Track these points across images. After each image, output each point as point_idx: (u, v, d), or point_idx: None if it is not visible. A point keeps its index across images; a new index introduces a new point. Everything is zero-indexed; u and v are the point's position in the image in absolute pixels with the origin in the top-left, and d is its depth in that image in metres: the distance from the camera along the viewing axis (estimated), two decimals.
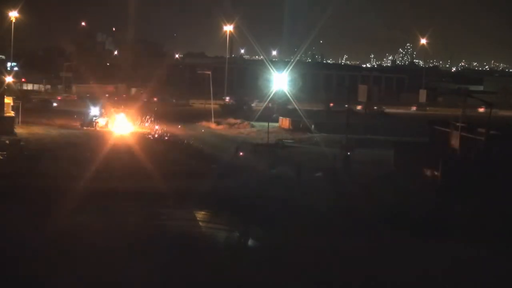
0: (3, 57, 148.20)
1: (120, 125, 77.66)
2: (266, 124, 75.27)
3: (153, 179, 45.63)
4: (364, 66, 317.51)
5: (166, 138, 71.06)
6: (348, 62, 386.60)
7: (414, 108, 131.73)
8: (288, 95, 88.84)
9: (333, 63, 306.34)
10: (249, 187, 45.16)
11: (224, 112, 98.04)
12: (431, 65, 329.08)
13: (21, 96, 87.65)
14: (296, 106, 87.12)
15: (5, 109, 74.15)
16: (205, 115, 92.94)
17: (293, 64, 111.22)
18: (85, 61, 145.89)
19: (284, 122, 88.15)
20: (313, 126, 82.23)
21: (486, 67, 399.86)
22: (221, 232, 35.40)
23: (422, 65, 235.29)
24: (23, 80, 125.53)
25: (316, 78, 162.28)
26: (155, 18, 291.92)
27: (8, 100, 76.13)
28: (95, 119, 78.91)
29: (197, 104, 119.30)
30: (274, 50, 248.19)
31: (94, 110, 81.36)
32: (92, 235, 31.74)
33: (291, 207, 40.04)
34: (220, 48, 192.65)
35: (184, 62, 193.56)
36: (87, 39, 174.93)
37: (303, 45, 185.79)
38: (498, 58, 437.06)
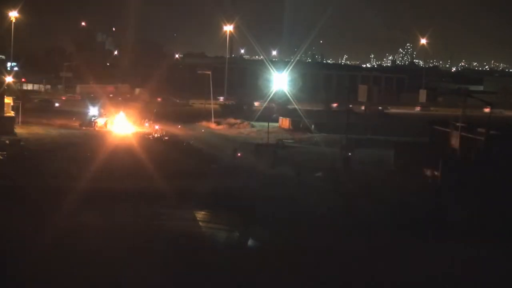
0: (3, 57, 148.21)
1: (120, 125, 77.62)
2: (266, 124, 75.26)
3: (153, 179, 45.62)
4: (364, 66, 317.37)
5: (166, 138, 71.03)
6: (348, 62, 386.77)
7: (418, 109, 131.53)
8: (288, 95, 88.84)
9: (333, 63, 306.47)
10: (249, 187, 45.16)
11: (224, 112, 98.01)
12: (431, 65, 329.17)
13: (21, 96, 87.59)
14: (296, 106, 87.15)
15: (5, 109, 74.14)
16: (205, 115, 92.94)
17: (293, 64, 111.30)
18: (85, 61, 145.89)
19: (284, 122, 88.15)
20: (313, 126, 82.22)
21: (486, 67, 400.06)
22: (221, 232, 35.41)
23: (422, 65, 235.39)
24: (23, 80, 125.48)
25: (316, 78, 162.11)
26: (155, 18, 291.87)
27: (8, 100, 76.12)
28: (94, 119, 78.88)
29: (197, 104, 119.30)
30: (274, 50, 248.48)
31: (93, 110, 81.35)
32: (92, 235, 31.76)
33: (291, 207, 40.04)
34: (220, 48, 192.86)
35: (184, 62, 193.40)
36: (87, 39, 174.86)
37: (303, 45, 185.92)
38: (498, 58, 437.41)
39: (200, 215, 38.17)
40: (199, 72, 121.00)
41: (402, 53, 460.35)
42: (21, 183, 42.43)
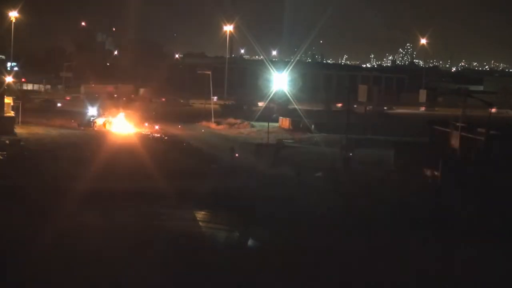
0: (3, 57, 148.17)
1: (120, 125, 77.62)
2: (266, 124, 75.28)
3: (152, 179, 45.64)
4: (364, 66, 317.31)
5: (165, 138, 71.05)
6: (348, 62, 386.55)
7: (423, 109, 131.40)
8: (288, 95, 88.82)
9: (333, 63, 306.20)
10: (249, 187, 45.16)
11: (224, 112, 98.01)
12: (431, 65, 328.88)
13: (21, 96, 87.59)
14: (296, 106, 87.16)
15: (5, 109, 74.14)
16: (205, 115, 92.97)
17: (293, 64, 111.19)
18: (85, 61, 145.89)
19: (284, 122, 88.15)
20: (313, 126, 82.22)
21: (486, 67, 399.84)
22: (221, 232, 35.42)
23: (422, 65, 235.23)
24: (23, 80, 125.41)
25: (316, 78, 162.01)
26: (155, 18, 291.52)
27: (8, 100, 76.11)
28: (93, 119, 78.80)
29: (197, 104, 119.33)
30: (274, 50, 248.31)
31: (92, 110, 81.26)
32: (92, 235, 31.77)
33: (291, 207, 40.03)
34: (220, 48, 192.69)
35: (184, 62, 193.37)
36: (87, 39, 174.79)
37: (303, 45, 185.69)
38: (498, 58, 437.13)
39: (200, 215, 38.17)
40: (199, 72, 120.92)
41: (402, 53, 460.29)
42: (21, 183, 42.42)
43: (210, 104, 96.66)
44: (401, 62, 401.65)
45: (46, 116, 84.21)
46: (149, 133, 74.96)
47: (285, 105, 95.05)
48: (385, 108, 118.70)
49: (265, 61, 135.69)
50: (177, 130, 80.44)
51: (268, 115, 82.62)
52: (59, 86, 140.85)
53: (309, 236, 33.92)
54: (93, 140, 66.72)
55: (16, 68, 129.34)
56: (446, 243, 33.20)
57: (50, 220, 33.82)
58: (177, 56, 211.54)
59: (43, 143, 63.72)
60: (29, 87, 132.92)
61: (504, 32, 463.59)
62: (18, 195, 39.15)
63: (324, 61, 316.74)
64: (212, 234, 34.90)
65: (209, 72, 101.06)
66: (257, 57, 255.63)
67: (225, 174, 49.92)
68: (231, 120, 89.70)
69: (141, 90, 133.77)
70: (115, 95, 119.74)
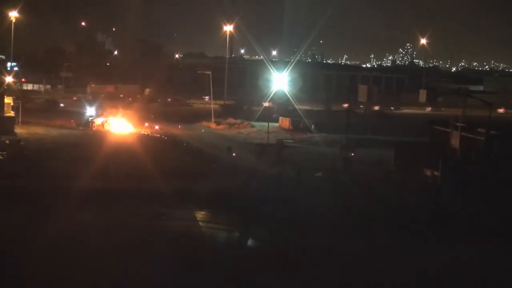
0: (3, 57, 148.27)
1: (119, 125, 77.63)
2: (266, 124, 75.31)
3: (152, 179, 45.63)
4: (364, 66, 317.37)
5: (165, 138, 71.08)
6: (348, 62, 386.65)
7: (429, 109, 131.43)
8: (288, 95, 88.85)
9: (333, 63, 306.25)
10: (249, 187, 45.16)
11: (224, 112, 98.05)
12: (431, 65, 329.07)
13: (21, 96, 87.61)
14: (296, 106, 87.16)
15: (5, 109, 74.14)
16: (205, 115, 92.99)
17: (293, 64, 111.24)
18: (85, 61, 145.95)
19: (284, 122, 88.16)
20: (313, 126, 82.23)
21: (486, 67, 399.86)
22: (221, 232, 35.41)
23: (422, 65, 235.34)
24: (23, 80, 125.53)
25: (316, 78, 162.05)
26: (155, 18, 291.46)
27: (8, 100, 76.11)
28: (91, 119, 78.73)
29: (197, 104, 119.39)
30: (274, 50, 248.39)
31: (90, 110, 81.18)
32: (92, 235, 31.77)
33: (291, 207, 40.02)
34: (220, 48, 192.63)
35: (184, 62, 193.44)
36: (87, 39, 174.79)
37: (303, 45, 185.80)
38: (498, 58, 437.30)
39: (200, 215, 38.17)
40: (199, 72, 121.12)
41: (402, 53, 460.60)
42: (21, 183, 42.43)
43: (210, 104, 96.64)
44: (401, 62, 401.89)
45: (47, 116, 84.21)
46: (149, 133, 75.01)
47: (285, 105, 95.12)
48: (391, 108, 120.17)
49: (265, 61, 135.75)
50: (177, 130, 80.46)
51: (268, 115, 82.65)
52: (59, 86, 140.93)
53: (309, 236, 33.91)
54: (93, 140, 66.74)
55: (16, 68, 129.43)
56: (446, 243, 33.20)
57: (50, 220, 33.82)
58: (177, 56, 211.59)
59: (43, 143, 63.70)
60: (29, 87, 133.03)
61: (504, 32, 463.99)
62: (18, 195, 39.15)
63: (324, 61, 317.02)
64: (212, 234, 34.90)
65: (209, 72, 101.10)
66: (257, 57, 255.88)
67: (225, 174, 49.91)
68: (231, 120, 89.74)
69: (147, 90, 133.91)
70: (121, 95, 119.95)
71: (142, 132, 75.33)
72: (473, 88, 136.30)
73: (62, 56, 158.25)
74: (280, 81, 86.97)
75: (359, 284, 27.40)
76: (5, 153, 54.58)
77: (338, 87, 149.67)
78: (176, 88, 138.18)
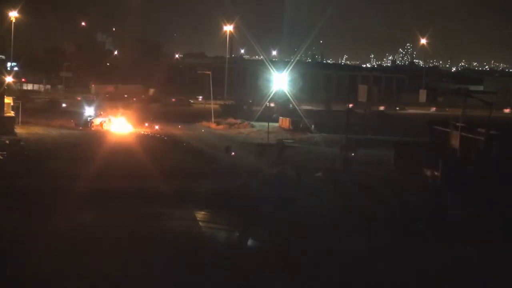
0: (3, 57, 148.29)
1: (119, 125, 77.62)
2: (266, 124, 75.31)
3: (152, 178, 45.66)
4: (364, 66, 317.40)
5: (165, 138, 71.09)
6: (348, 62, 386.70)
7: (434, 109, 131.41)
8: (288, 95, 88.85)
9: (333, 63, 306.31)
10: (249, 187, 45.15)
11: (224, 112, 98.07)
12: (431, 65, 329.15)
13: (21, 96, 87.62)
14: (296, 106, 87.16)
15: (5, 109, 74.17)
16: (205, 115, 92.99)
17: (293, 64, 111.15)
18: (85, 61, 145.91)
19: (284, 122, 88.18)
20: (313, 126, 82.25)
21: (486, 67, 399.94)
22: (221, 232, 35.41)
23: (422, 65, 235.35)
24: (23, 80, 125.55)
25: (316, 78, 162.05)
26: (155, 18, 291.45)
27: (8, 100, 76.14)
28: (90, 119, 78.66)
29: (197, 104, 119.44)
30: (274, 50, 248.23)
31: (89, 110, 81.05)
32: (92, 235, 31.77)
33: (291, 207, 40.01)
34: (220, 48, 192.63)
35: (184, 62, 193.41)
36: (87, 39, 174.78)
37: (303, 45, 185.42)
38: (498, 58, 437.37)
39: (200, 215, 38.16)
40: (199, 72, 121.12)
41: (402, 53, 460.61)
42: (21, 183, 42.43)
43: (210, 104, 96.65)
44: (401, 62, 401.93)
45: (47, 116, 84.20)
46: (149, 133, 75.01)
47: (285, 105, 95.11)
48: (397, 108, 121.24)
49: (265, 61, 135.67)
50: (177, 130, 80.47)
51: (268, 115, 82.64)
52: (59, 86, 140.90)
53: (309, 236, 33.90)
54: (93, 140, 66.75)
55: (16, 68, 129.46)
56: (446, 243, 33.19)
57: (50, 220, 33.83)
58: (177, 56, 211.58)
59: (43, 143, 63.73)
60: (29, 87, 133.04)
61: (504, 32, 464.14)
62: (18, 195, 39.14)
63: (324, 61, 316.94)
64: (212, 234, 34.89)
65: (209, 72, 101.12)
66: (257, 57, 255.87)
67: (225, 174, 49.92)
68: (231, 120, 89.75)
69: (151, 91, 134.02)
70: (125, 95, 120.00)
71: (142, 132, 75.35)
72: (473, 88, 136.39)
73: (62, 56, 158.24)
74: (280, 81, 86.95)
75: (359, 284, 27.40)
76: (5, 153, 54.60)
77: (338, 87, 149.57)
78: (177, 88, 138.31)
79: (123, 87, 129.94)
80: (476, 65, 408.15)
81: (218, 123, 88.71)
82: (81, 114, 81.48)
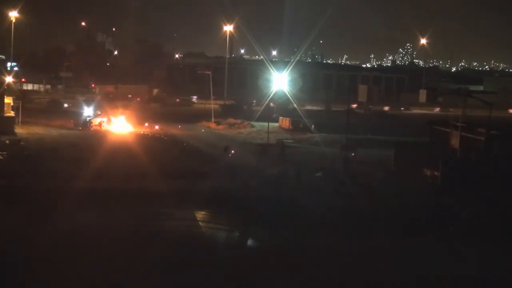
0: (3, 57, 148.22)
1: (119, 125, 77.61)
2: (266, 124, 75.30)
3: (152, 179, 45.67)
4: (364, 66, 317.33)
5: (165, 138, 71.08)
6: (348, 62, 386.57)
7: (438, 109, 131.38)
8: (288, 95, 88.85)
9: (333, 63, 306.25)
10: (249, 187, 45.16)
11: (224, 112, 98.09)
12: (431, 65, 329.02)
13: (21, 96, 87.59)
14: (296, 106, 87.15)
15: (5, 109, 74.16)
16: (205, 115, 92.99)
17: (293, 64, 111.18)
18: (85, 61, 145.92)
19: (284, 122, 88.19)
20: (313, 126, 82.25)
21: (486, 67, 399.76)
22: (221, 232, 35.41)
23: (422, 65, 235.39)
24: (23, 80, 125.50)
25: (316, 78, 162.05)
26: (155, 18, 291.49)
27: (8, 100, 76.14)
28: (89, 119, 78.57)
29: (197, 104, 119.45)
30: (274, 50, 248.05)
31: (87, 110, 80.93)
32: (92, 235, 31.76)
33: (291, 207, 40.02)
34: (220, 48, 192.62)
35: (184, 62, 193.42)
36: (87, 39, 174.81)
37: (303, 45, 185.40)
38: (498, 58, 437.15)
39: (200, 215, 38.16)
40: (199, 72, 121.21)
41: (402, 53, 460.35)
42: (21, 183, 42.44)
43: (210, 104, 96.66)
44: (401, 62, 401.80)
45: (48, 116, 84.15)
46: (149, 133, 75.00)
47: (285, 105, 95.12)
48: (401, 108, 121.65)
49: (265, 61, 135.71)
50: (177, 130, 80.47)
51: (268, 115, 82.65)
52: (59, 86, 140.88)
53: (309, 236, 33.89)
54: (93, 140, 66.75)
55: (16, 68, 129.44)
56: (446, 243, 33.19)
57: (50, 220, 33.84)
58: (177, 56, 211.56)
59: (43, 143, 63.71)
60: (29, 87, 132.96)
61: (504, 32, 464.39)
62: (18, 195, 39.13)
63: (324, 61, 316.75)
64: (212, 234, 34.89)
65: (209, 72, 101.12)
66: (257, 57, 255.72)
67: (225, 174, 49.91)
68: (231, 120, 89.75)
69: (155, 91, 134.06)
70: (129, 95, 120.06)
71: (142, 132, 75.34)
72: (473, 88, 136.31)
73: (62, 56, 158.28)
74: (280, 81, 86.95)
75: (359, 284, 27.40)
76: (5, 153, 54.60)
77: (338, 87, 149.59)
78: (177, 88, 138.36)
79: (124, 87, 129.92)
80: (476, 65, 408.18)
81: (218, 123, 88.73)
82: (80, 114, 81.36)
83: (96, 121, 78.34)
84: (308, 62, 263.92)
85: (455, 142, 53.06)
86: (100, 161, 50.79)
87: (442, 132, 55.66)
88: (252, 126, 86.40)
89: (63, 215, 34.83)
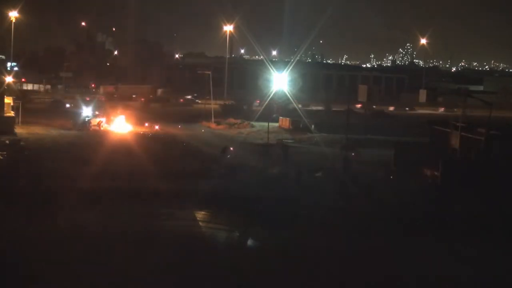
0: (3, 57, 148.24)
1: (119, 125, 77.56)
2: (266, 124, 75.29)
3: (152, 179, 45.63)
4: (364, 66, 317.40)
5: (165, 138, 71.04)
6: (348, 62, 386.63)
7: (442, 109, 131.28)
8: (288, 95, 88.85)
9: (333, 63, 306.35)
10: (249, 187, 45.15)
11: (224, 112, 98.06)
12: (431, 65, 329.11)
13: (21, 96, 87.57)
14: (296, 106, 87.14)
15: (5, 109, 74.14)
16: (205, 115, 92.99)
17: (293, 64, 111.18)
18: (85, 61, 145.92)
19: (284, 122, 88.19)
20: (313, 126, 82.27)
21: (486, 67, 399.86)
22: (221, 232, 35.40)
23: (422, 65, 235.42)
24: (23, 80, 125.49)
25: (316, 78, 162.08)
26: (155, 18, 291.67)
27: (8, 100, 76.12)
28: (88, 119, 78.41)
29: (198, 104, 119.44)
30: (274, 50, 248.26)
31: (86, 111, 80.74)
32: (92, 235, 31.77)
33: (291, 207, 40.02)
34: (220, 48, 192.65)
35: (184, 62, 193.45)
36: (87, 39, 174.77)
37: (303, 45, 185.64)
38: (498, 58, 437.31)
39: (200, 215, 38.15)
40: (199, 72, 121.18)
41: (402, 53, 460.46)
42: (21, 183, 42.42)
43: (210, 104, 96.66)
44: (401, 62, 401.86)
45: (48, 116, 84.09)
46: (149, 133, 74.97)
47: (285, 105, 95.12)
48: (406, 108, 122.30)
49: (265, 61, 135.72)
50: (177, 130, 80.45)
51: (268, 115, 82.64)
52: (59, 86, 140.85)
53: (309, 236, 33.90)
54: (92, 140, 66.69)
55: (16, 68, 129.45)
56: (446, 243, 33.18)
57: (50, 220, 33.83)
58: (177, 56, 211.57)
59: (43, 143, 63.69)
60: (29, 87, 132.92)
61: (504, 32, 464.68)
62: (18, 195, 39.11)
63: (324, 61, 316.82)
64: (212, 234, 34.89)
65: (209, 72, 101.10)
66: (257, 57, 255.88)
67: (224, 174, 49.91)
68: (231, 120, 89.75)
69: (159, 91, 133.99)
70: (134, 95, 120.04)
71: (142, 132, 75.31)
72: (473, 88, 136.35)
73: (62, 56, 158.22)
74: (280, 81, 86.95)
75: (359, 284, 27.41)
76: (5, 153, 54.57)
77: (338, 87, 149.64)
78: (177, 88, 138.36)
79: (124, 87, 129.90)
80: (476, 65, 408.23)
81: (218, 123, 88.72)
82: (78, 114, 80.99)
83: (95, 121, 78.22)
84: (308, 62, 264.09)
85: (455, 142, 53.09)
86: (99, 161, 50.76)
87: (442, 132, 55.71)
88: (252, 126, 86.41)
89: (63, 215, 34.82)
